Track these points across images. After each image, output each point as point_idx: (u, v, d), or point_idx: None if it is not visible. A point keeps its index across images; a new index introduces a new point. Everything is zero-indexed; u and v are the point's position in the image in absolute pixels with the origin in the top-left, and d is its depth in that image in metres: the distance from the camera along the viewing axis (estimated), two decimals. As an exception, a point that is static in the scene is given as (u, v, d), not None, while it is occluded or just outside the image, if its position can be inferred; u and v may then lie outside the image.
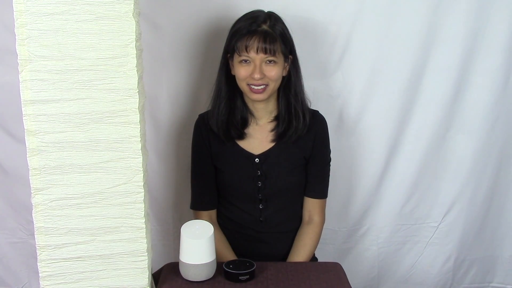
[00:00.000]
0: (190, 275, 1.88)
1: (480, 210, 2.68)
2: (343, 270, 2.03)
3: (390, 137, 2.55)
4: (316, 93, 2.35)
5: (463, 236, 2.70)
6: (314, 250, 2.29)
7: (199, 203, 2.28)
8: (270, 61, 2.09)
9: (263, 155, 2.20)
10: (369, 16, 2.41)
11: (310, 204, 2.28)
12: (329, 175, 2.31)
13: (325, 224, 2.33)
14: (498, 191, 2.68)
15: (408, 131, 2.55)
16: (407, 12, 2.41)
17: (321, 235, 2.32)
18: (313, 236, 2.26)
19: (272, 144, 2.20)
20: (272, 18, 2.13)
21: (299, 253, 2.23)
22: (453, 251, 2.71)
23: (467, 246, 2.72)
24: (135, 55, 1.67)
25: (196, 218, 2.24)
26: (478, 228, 2.71)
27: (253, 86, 2.10)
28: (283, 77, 2.17)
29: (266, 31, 2.08)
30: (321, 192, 2.29)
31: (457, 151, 2.59)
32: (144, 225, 1.76)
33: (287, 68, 2.17)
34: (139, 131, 1.71)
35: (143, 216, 1.75)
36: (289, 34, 2.16)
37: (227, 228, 2.27)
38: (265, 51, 2.06)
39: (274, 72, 2.09)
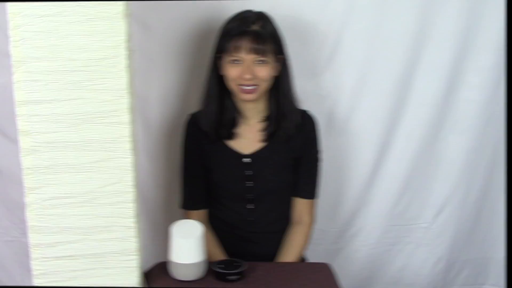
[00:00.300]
0: (180, 275, 1.90)
1: (472, 211, 2.68)
2: (332, 270, 2.04)
3: (381, 137, 2.55)
4: (305, 93, 2.34)
5: (455, 238, 2.70)
6: (304, 251, 2.30)
7: (190, 203, 2.29)
8: (260, 61, 2.09)
9: (253, 155, 2.22)
10: (359, 15, 2.42)
11: (300, 205, 2.29)
12: (319, 176, 2.31)
13: (316, 225, 2.35)
14: (490, 192, 2.68)
15: (399, 131, 2.55)
16: (398, 11, 2.41)
17: (312, 235, 2.33)
18: (302, 236, 2.28)
19: (262, 144, 2.22)
20: (263, 18, 2.14)
21: (288, 253, 2.24)
22: (444, 252, 2.71)
23: (459, 247, 2.72)
24: (126, 55, 1.69)
25: (187, 218, 2.23)
26: (470, 229, 2.71)
27: (243, 87, 2.12)
28: (274, 77, 2.17)
29: (257, 31, 2.09)
30: (311, 192, 2.30)
31: (448, 151, 2.60)
32: (134, 225, 1.78)
33: (278, 68, 2.18)
34: (130, 131, 1.73)
35: (133, 215, 1.77)
36: (280, 34, 2.17)
37: (217, 228, 2.29)
38: (256, 52, 2.07)
39: (265, 72, 2.10)
